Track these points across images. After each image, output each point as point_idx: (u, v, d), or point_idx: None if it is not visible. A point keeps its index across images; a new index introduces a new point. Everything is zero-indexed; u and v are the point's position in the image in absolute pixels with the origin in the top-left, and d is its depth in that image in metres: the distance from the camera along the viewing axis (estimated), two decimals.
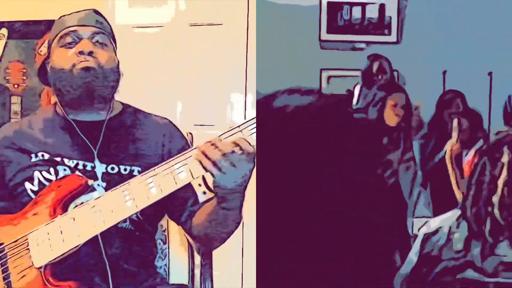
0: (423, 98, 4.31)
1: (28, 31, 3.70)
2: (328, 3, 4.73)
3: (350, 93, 4.18)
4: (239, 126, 1.67)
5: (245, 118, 3.43)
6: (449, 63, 4.61)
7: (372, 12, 4.77)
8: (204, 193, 1.94)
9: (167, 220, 2.20)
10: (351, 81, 4.50)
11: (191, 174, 1.72)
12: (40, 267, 1.78)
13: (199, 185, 1.90)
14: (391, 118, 3.41)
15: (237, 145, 1.63)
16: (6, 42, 3.72)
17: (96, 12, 2.02)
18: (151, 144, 1.98)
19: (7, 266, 1.81)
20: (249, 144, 1.64)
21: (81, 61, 1.89)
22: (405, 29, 4.84)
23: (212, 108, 3.53)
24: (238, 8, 3.51)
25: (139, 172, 1.88)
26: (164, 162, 1.75)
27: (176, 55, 3.60)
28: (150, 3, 3.70)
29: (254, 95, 3.52)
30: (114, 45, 2.01)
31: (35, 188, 1.89)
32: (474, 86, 4.46)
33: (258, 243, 0.85)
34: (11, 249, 1.82)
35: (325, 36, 4.72)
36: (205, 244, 2.05)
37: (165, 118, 2.06)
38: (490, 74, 4.68)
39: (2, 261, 1.82)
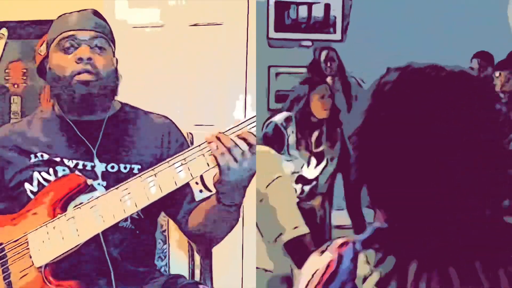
0: None
1: (28, 31, 3.70)
2: (276, 2, 4.89)
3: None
4: (239, 125, 1.68)
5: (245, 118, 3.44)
6: (392, 60, 4.71)
7: (318, 11, 4.95)
8: (201, 191, 1.94)
9: (167, 220, 2.20)
10: (298, 77, 4.67)
11: (191, 173, 1.72)
12: (40, 267, 1.78)
13: (196, 183, 1.90)
14: (320, 112, 3.47)
15: (242, 138, 1.66)
16: (6, 42, 3.72)
17: (96, 13, 2.01)
18: (151, 142, 1.98)
19: (7, 266, 1.82)
20: (254, 136, 1.66)
21: (80, 72, 1.88)
22: (349, 28, 5.01)
23: (212, 108, 3.52)
24: (238, 8, 3.50)
25: (139, 170, 1.89)
26: (164, 162, 1.76)
27: (176, 55, 3.60)
28: (150, 3, 3.70)
29: (254, 95, 3.52)
30: (113, 47, 2.00)
31: (35, 189, 1.89)
32: None
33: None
34: (11, 249, 1.82)
35: (272, 34, 4.88)
36: (200, 243, 2.06)
37: (164, 116, 2.07)
38: None
39: (2, 261, 1.82)
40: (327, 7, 4.99)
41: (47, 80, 1.99)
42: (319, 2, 4.98)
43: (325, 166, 3.42)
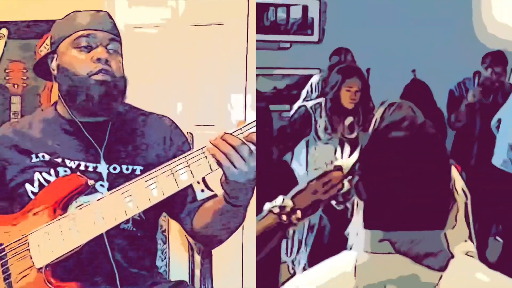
0: None
1: (28, 31, 3.69)
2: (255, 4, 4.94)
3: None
4: (240, 129, 1.68)
5: (245, 118, 3.45)
6: (372, 61, 4.74)
7: (296, 13, 5.03)
8: (202, 191, 1.94)
9: (167, 220, 2.20)
10: (276, 80, 4.88)
11: (192, 175, 1.72)
12: (41, 268, 1.78)
13: (198, 182, 1.91)
14: (347, 102, 3.50)
15: (248, 140, 1.65)
16: (6, 42, 3.71)
17: (109, 15, 2.01)
18: (153, 143, 1.98)
19: (8, 267, 1.81)
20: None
21: (98, 72, 1.88)
22: (327, 29, 5.08)
23: (212, 108, 3.53)
24: (238, 8, 3.51)
25: (141, 171, 1.89)
26: (166, 164, 1.75)
27: (176, 55, 3.60)
28: (150, 3, 3.70)
29: (254, 95, 3.53)
30: (121, 50, 2.00)
31: (36, 190, 1.89)
32: (398, 83, 4.63)
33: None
34: (12, 249, 1.82)
35: None
36: (204, 243, 2.06)
37: (166, 117, 2.07)
38: (413, 71, 4.84)
39: (2, 261, 1.82)
40: (305, 8, 5.07)
41: (57, 78, 1.97)
42: (297, 4, 5.04)
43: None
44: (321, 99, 3.60)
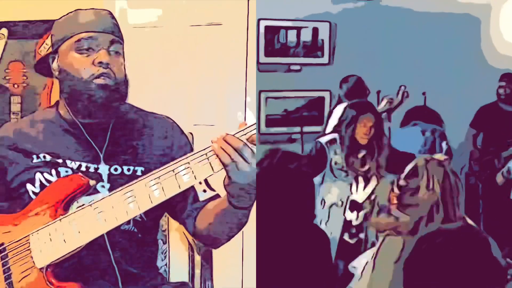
0: None
1: (28, 31, 3.70)
2: (266, 27, 4.96)
3: None
4: (242, 130, 1.68)
5: (245, 118, 3.46)
6: (382, 83, 4.75)
7: (306, 36, 5.07)
8: (204, 191, 1.94)
9: (167, 220, 2.20)
10: (287, 102, 4.92)
11: (195, 177, 1.72)
12: (42, 268, 1.78)
13: (200, 183, 1.90)
14: (360, 138, 3.49)
15: (250, 141, 1.67)
16: (6, 42, 3.72)
17: (111, 14, 1.99)
18: (154, 143, 1.98)
19: (9, 266, 1.81)
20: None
21: (99, 76, 1.87)
22: (336, 51, 5.12)
23: (212, 108, 3.53)
24: (238, 8, 3.51)
25: (142, 172, 1.89)
26: (168, 165, 1.75)
27: (176, 55, 3.60)
28: (150, 3, 3.70)
29: (253, 95, 3.53)
30: (123, 51, 1.99)
31: (37, 190, 1.89)
32: (408, 105, 4.64)
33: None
34: (13, 249, 1.82)
35: (263, 59, 4.98)
36: (207, 244, 2.06)
37: (167, 117, 2.06)
38: (424, 94, 4.87)
39: (3, 261, 1.82)
40: (315, 31, 5.10)
41: (58, 79, 1.96)
42: (307, 27, 5.07)
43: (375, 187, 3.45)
44: (335, 135, 3.56)
